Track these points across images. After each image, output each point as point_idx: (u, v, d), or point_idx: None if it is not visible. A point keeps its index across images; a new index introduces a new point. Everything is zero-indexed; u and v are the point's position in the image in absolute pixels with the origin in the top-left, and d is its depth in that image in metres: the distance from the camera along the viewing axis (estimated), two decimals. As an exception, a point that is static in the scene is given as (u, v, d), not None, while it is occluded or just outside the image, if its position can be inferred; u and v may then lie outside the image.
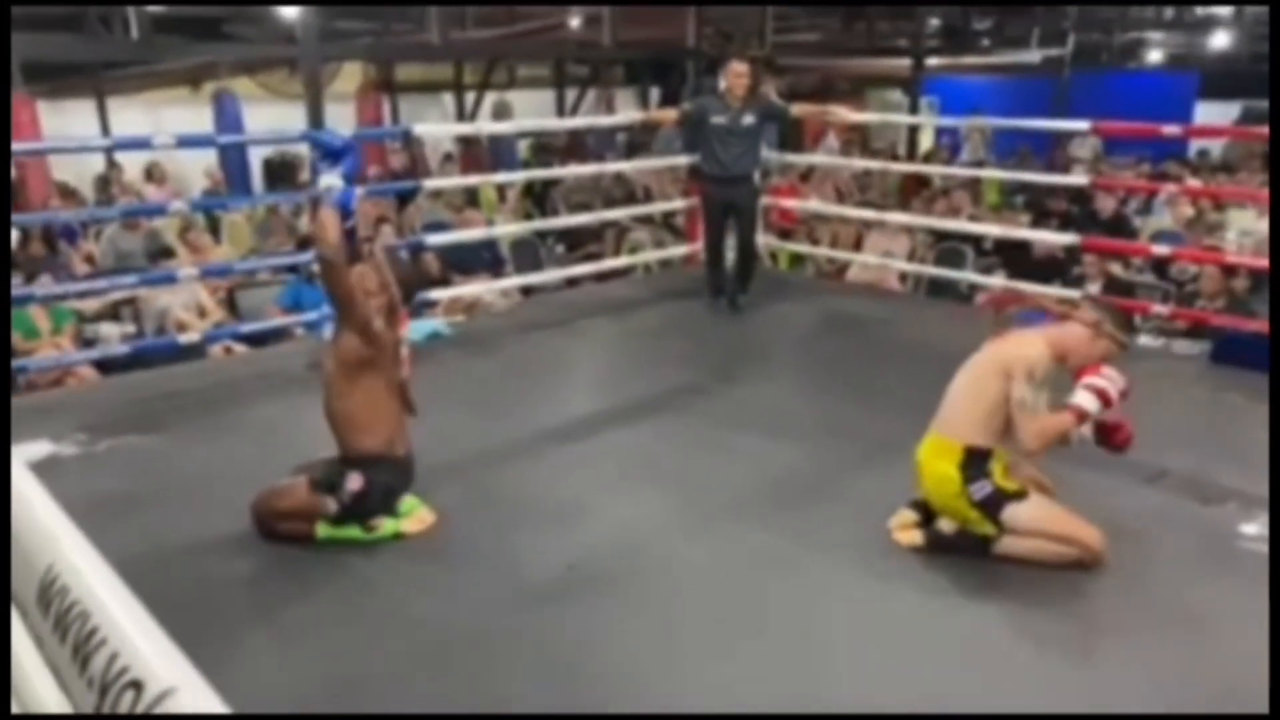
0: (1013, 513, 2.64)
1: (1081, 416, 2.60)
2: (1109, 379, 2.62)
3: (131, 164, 9.49)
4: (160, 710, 0.81)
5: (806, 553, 2.78)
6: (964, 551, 2.71)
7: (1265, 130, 7.64)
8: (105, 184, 9.05)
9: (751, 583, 2.65)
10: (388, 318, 2.78)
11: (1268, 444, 3.59)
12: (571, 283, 6.35)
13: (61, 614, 0.94)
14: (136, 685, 0.83)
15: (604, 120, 9.97)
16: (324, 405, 2.80)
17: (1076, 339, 2.68)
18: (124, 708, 0.82)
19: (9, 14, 3.74)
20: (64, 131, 9.14)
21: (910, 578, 2.66)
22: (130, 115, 9.88)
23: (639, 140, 12.07)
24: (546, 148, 12.31)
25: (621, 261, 6.76)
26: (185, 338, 4.58)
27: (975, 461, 2.65)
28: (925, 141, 12.84)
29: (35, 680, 1.00)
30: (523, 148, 12.59)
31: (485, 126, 10.70)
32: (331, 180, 2.82)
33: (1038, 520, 2.65)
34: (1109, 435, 2.75)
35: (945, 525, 2.76)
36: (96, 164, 9.44)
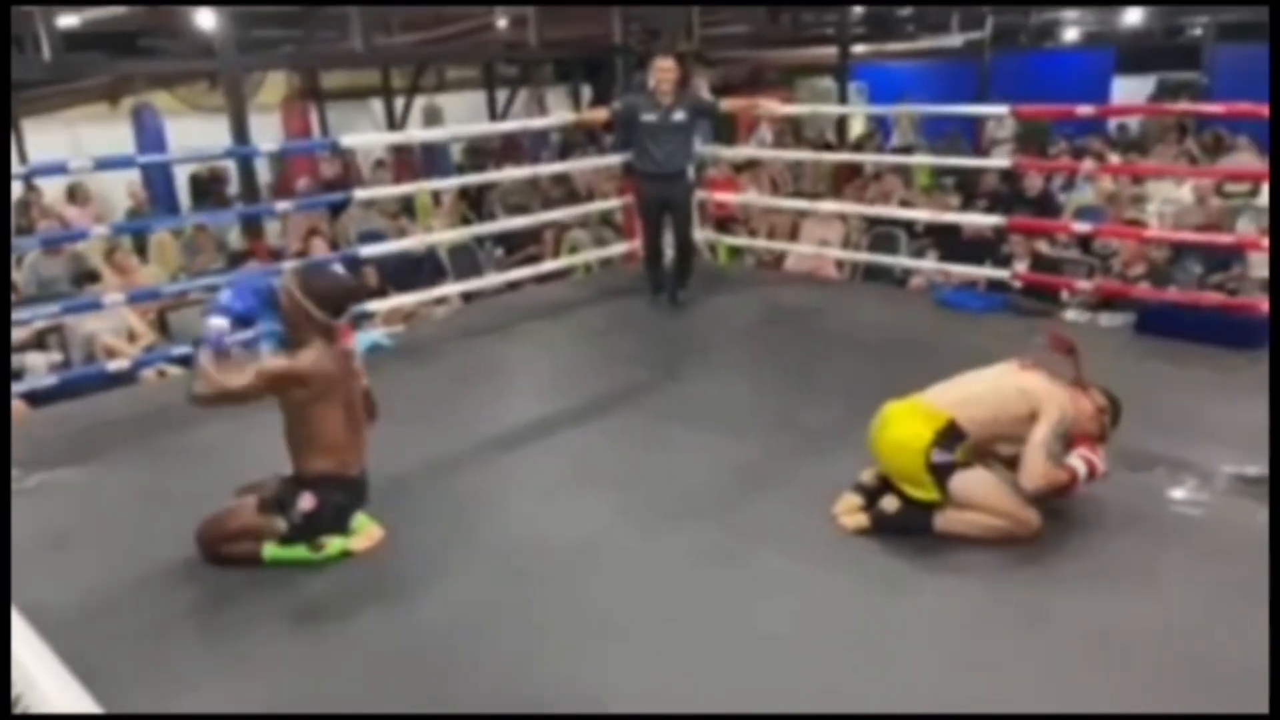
0: (960, 480, 2.73)
1: (1074, 480, 2.79)
2: (1100, 458, 2.84)
3: (53, 185, 9.22)
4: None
5: (753, 544, 2.81)
6: (907, 529, 2.78)
7: (1176, 106, 7.92)
8: (25, 208, 8.78)
9: (699, 578, 2.68)
10: (325, 341, 2.72)
11: (1192, 410, 3.73)
12: (512, 286, 6.33)
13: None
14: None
15: (536, 122, 9.92)
16: (282, 427, 2.76)
17: (1083, 413, 2.87)
18: None
19: (9, 14, 3.61)
20: (-23, 155, 8.84)
21: (856, 563, 2.71)
22: (47, 135, 9.60)
23: (573, 140, 12.06)
24: (480, 150, 12.23)
25: (561, 263, 6.75)
26: (115, 364, 4.47)
27: (951, 436, 2.74)
28: (856, 127, 13.01)
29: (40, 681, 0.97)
30: (456, 151, 12.50)
31: (416, 134, 10.60)
32: (218, 322, 2.73)
33: (981, 491, 2.75)
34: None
35: (888, 504, 2.83)
36: (14, 187, 9.16)
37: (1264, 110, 3.95)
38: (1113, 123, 12.46)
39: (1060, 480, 2.75)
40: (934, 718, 2.05)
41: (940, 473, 2.73)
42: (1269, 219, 5.62)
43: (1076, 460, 2.80)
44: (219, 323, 2.72)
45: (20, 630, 0.97)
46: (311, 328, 2.72)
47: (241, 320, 2.76)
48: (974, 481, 2.74)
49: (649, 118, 5.12)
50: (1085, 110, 4.98)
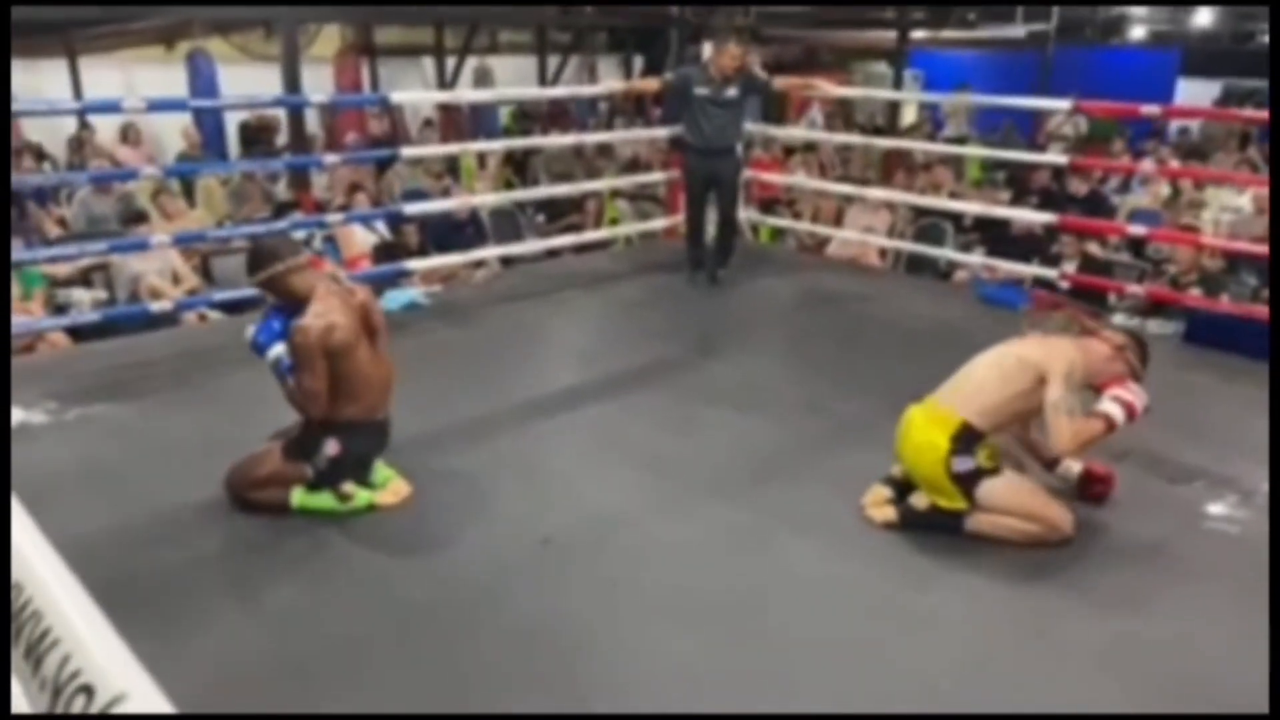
0: (987, 489, 2.67)
1: (1111, 425, 2.66)
2: (1135, 394, 2.71)
3: (107, 124, 9.33)
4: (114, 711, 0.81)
5: (779, 529, 2.79)
6: (936, 528, 2.73)
7: (1243, 113, 7.70)
8: (80, 145, 8.89)
9: (723, 559, 2.66)
10: (312, 276, 2.76)
11: (1236, 424, 3.65)
12: (551, 254, 6.32)
13: (15, 614, 0.92)
14: (88, 690, 0.83)
15: (586, 89, 9.86)
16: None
17: (1099, 356, 2.75)
18: (77, 710, 0.82)
19: (9, 14, 3.66)
20: (36, 91, 8.94)
21: (882, 555, 2.69)
22: (103, 74, 9.67)
23: (621, 110, 11.98)
24: (528, 115, 12.18)
25: (602, 233, 6.73)
26: (158, 306, 4.52)
27: (967, 439, 2.68)
28: (909, 115, 12.81)
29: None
30: (504, 114, 12.46)
31: (466, 94, 10.57)
32: (278, 352, 2.76)
33: (1010, 498, 2.69)
34: (1093, 482, 2.92)
35: (918, 501, 2.79)
36: (69, 124, 9.27)
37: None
38: (1173, 127, 12.15)
39: (1095, 431, 2.63)
40: (935, 718, 2.02)
41: (965, 482, 2.67)
42: (1270, 221, 5.45)
43: (1108, 404, 2.67)
44: (278, 352, 2.75)
45: (46, 555, 0.98)
46: (297, 279, 2.73)
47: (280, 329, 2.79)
48: (1001, 489, 2.68)
49: (702, 91, 5.06)
50: (1150, 109, 4.84)
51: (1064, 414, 2.60)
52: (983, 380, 2.75)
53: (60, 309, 5.02)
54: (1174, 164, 8.51)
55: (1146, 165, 7.13)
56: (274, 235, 2.88)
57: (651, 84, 5.71)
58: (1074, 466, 2.96)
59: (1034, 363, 2.68)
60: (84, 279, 5.53)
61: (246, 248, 5.69)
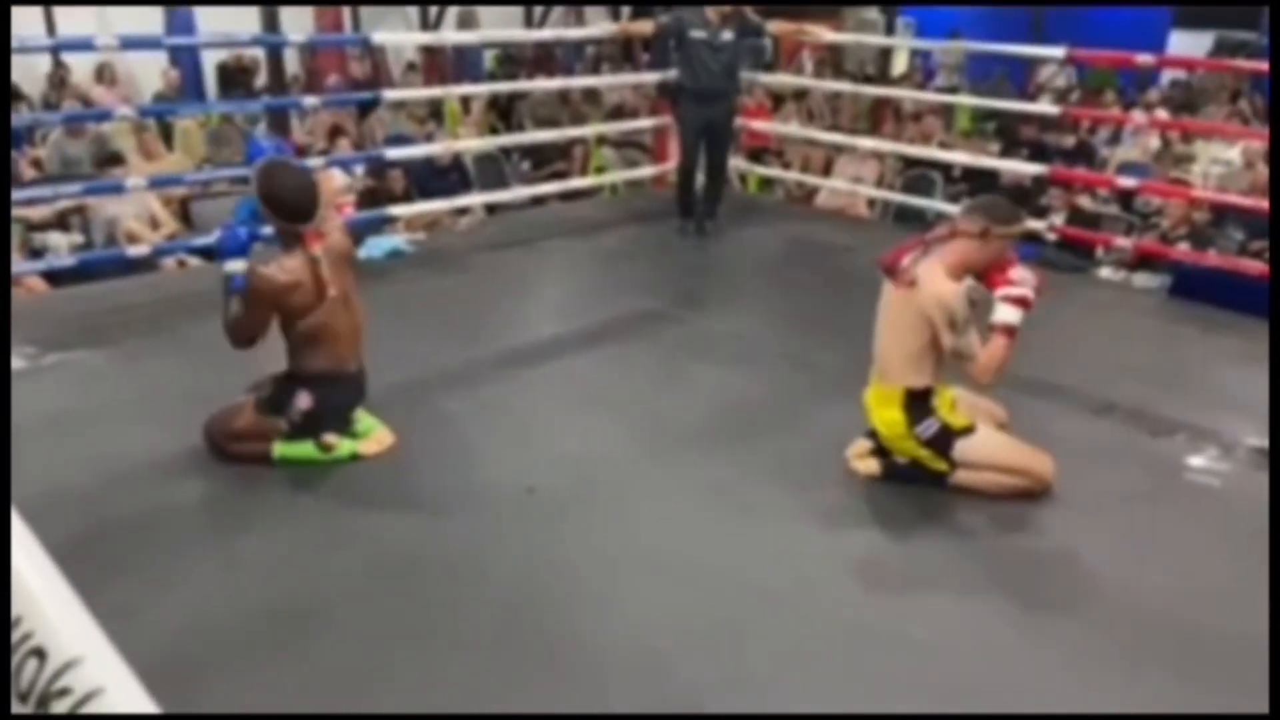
0: (963, 448, 2.67)
1: (1011, 332, 2.57)
2: (1021, 282, 2.58)
3: (82, 65, 9.09)
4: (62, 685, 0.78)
5: (763, 481, 2.80)
6: (919, 481, 2.74)
7: (1238, 63, 7.65)
8: (61, 83, 8.69)
9: (707, 511, 2.67)
10: (305, 269, 2.64)
11: (1219, 378, 3.67)
12: (537, 201, 6.24)
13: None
14: (40, 653, 0.79)
15: (574, 32, 9.65)
16: (279, 326, 2.73)
17: (970, 252, 2.61)
18: (27, 676, 0.79)
19: (9, 14, 3.54)
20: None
21: (864, 508, 2.70)
22: (78, 15, 9.41)
23: (607, 55, 11.77)
24: (514, 60, 11.96)
25: (588, 181, 6.64)
26: (136, 250, 4.45)
27: (917, 402, 2.67)
28: (899, 64, 12.64)
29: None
30: (488, 58, 12.23)
31: (449, 36, 10.34)
32: (236, 268, 2.61)
33: (989, 453, 2.69)
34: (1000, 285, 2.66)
35: (901, 458, 2.79)
36: (44, 63, 9.03)
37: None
38: (1165, 78, 12.06)
39: (1002, 349, 2.55)
40: (934, 717, 2.04)
41: (938, 444, 2.67)
42: (1269, 191, 5.44)
43: (1001, 311, 2.56)
44: (235, 266, 2.61)
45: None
46: (288, 234, 2.66)
47: (248, 240, 2.66)
48: (977, 445, 2.68)
49: (697, 34, 4.96)
50: (1144, 59, 4.79)
51: (965, 357, 2.59)
52: (889, 344, 2.70)
53: (36, 253, 4.93)
54: (1162, 114, 8.46)
55: (1138, 116, 7.07)
56: (298, 184, 2.67)
57: (645, 26, 5.60)
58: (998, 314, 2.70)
59: (918, 312, 2.59)
60: (60, 222, 5.41)
61: (228, 191, 5.63)
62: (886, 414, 2.70)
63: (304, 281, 2.62)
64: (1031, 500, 2.70)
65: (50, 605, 0.83)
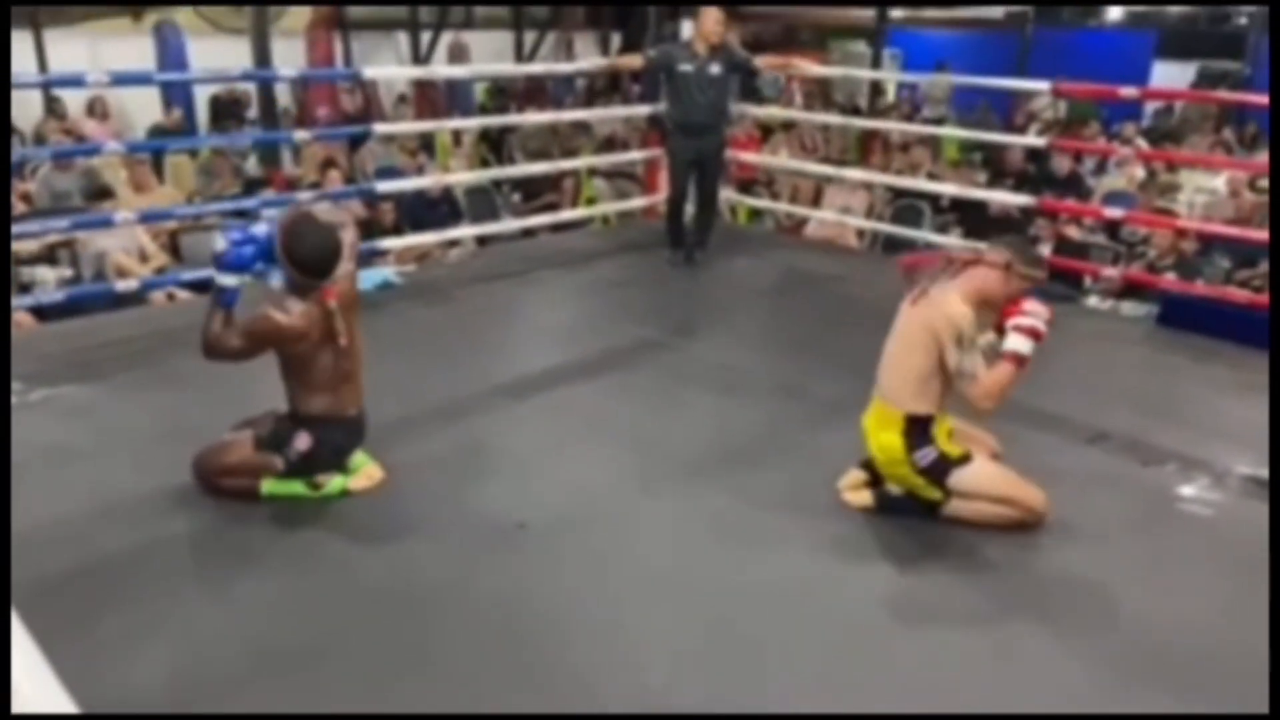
0: (958, 478, 2.66)
1: (1020, 361, 2.57)
2: (1034, 314, 2.59)
3: (74, 99, 9.13)
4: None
5: (756, 512, 2.78)
6: (912, 513, 2.74)
7: (1220, 95, 7.75)
8: (60, 118, 8.72)
9: (700, 543, 2.65)
10: (316, 308, 2.61)
11: (1208, 406, 3.68)
12: (528, 233, 6.26)
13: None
14: None
15: (564, 66, 9.75)
16: (279, 367, 2.72)
17: (990, 283, 2.63)
18: None
19: (9, 14, 3.55)
20: (-3, 63, 8.73)
21: (860, 538, 2.68)
22: (69, 47, 9.47)
23: (598, 88, 11.88)
24: (504, 92, 12.06)
25: (579, 212, 6.67)
26: (124, 284, 4.43)
27: (917, 429, 2.66)
28: (891, 95, 12.78)
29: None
30: (479, 91, 12.33)
31: (440, 70, 10.42)
32: (230, 282, 2.63)
33: (983, 484, 2.68)
34: (1012, 315, 2.69)
35: (894, 487, 2.78)
36: (34, 97, 9.06)
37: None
38: (1149, 109, 12.21)
39: (1007, 375, 2.55)
40: (933, 718, 2.02)
41: (933, 473, 2.66)
42: (1269, 217, 5.50)
43: (1012, 340, 2.57)
44: (229, 281, 2.62)
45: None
46: (301, 311, 2.60)
47: (251, 262, 2.64)
48: (972, 475, 2.67)
49: (685, 68, 5.00)
50: (1128, 92, 4.84)
51: (969, 378, 2.55)
52: (898, 364, 2.70)
53: (25, 288, 4.91)
54: (1143, 145, 8.55)
55: (1124, 149, 7.14)
56: (325, 242, 2.62)
57: (634, 61, 5.65)
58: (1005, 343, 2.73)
59: (929, 327, 2.60)
60: (49, 257, 5.40)
61: (218, 225, 5.63)
62: (885, 437, 2.69)
63: (311, 331, 2.59)
64: (1025, 531, 2.69)
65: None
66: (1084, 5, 14.02)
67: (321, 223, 2.67)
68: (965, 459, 2.68)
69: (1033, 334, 2.58)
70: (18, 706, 0.77)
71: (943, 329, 2.56)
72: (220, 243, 2.62)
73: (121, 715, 1.96)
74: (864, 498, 2.80)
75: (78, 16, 9.93)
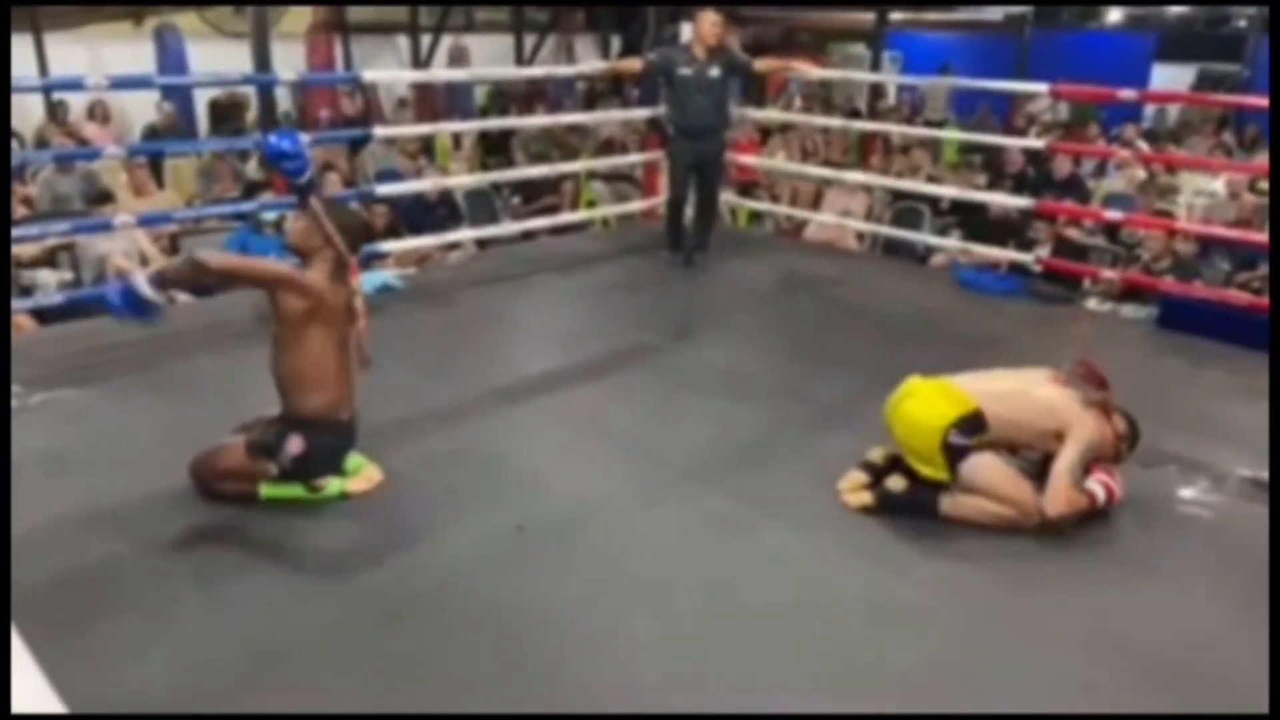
0: (972, 464, 2.69)
1: (1094, 504, 2.73)
2: (1117, 482, 2.79)
3: (74, 102, 9.15)
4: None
5: (757, 515, 2.78)
6: (912, 512, 2.74)
7: (1219, 98, 7.77)
8: (63, 121, 8.73)
9: (700, 546, 2.65)
10: (335, 272, 2.70)
11: (1208, 409, 3.68)
12: (527, 235, 6.27)
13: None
14: None
15: (564, 69, 9.74)
16: (270, 362, 2.72)
17: (1107, 440, 2.81)
18: None
19: (9, 14, 3.56)
20: (-3, 67, 8.73)
21: (855, 540, 2.68)
22: (70, 51, 9.47)
23: (599, 90, 11.88)
24: (505, 95, 12.06)
25: (579, 215, 6.67)
26: (125, 287, 4.42)
27: (974, 424, 2.70)
28: (891, 98, 12.79)
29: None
30: (480, 94, 12.34)
31: (440, 74, 10.42)
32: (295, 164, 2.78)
33: (990, 477, 2.71)
34: None
35: (894, 484, 2.79)
36: (34, 100, 9.07)
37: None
38: (1149, 111, 12.22)
39: (1081, 505, 2.70)
40: (933, 718, 2.02)
41: (953, 454, 2.69)
42: (1269, 219, 5.50)
43: (1096, 485, 2.75)
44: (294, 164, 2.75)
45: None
46: (324, 255, 2.69)
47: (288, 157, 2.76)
48: (985, 467, 2.70)
49: (685, 72, 5.01)
50: (1127, 94, 4.84)
51: (1067, 481, 2.66)
52: (1007, 395, 2.77)
53: (25, 291, 4.91)
54: (1144, 146, 8.56)
55: (1124, 151, 7.15)
56: (365, 225, 2.97)
57: (634, 64, 5.66)
58: None
59: (1062, 417, 2.73)
60: (49, 260, 5.41)
61: (218, 228, 5.63)
62: (940, 406, 2.71)
63: (316, 296, 2.63)
64: (1021, 533, 2.68)
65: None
66: (1083, 4, 14.02)
67: (351, 208, 3.01)
68: (981, 449, 2.72)
69: (1110, 495, 2.75)
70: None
71: (1083, 432, 2.71)
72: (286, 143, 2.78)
73: (122, 715, 1.96)
74: (863, 498, 2.80)
75: (78, 20, 9.94)
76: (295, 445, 2.65)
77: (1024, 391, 2.80)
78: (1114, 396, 2.86)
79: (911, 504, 2.75)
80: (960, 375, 2.84)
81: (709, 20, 5.00)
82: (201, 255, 2.58)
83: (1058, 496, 2.65)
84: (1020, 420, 2.74)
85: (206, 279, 2.64)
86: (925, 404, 2.74)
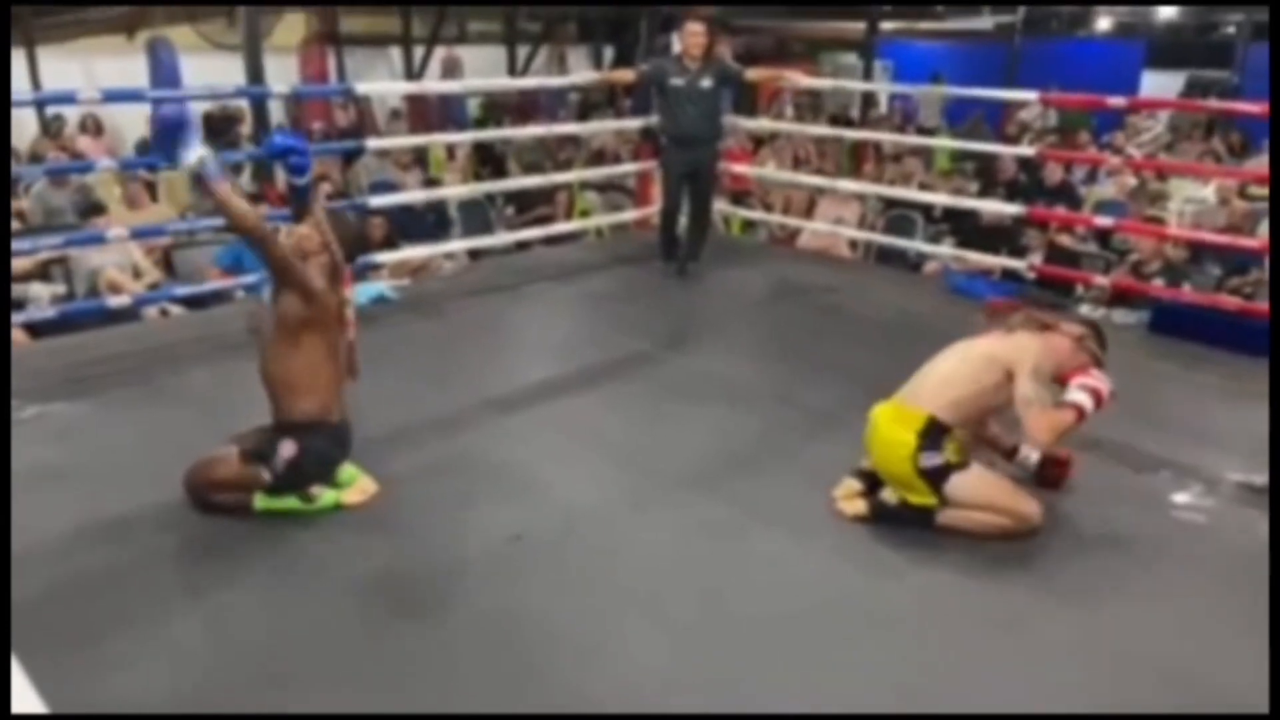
0: (956, 483, 2.68)
1: (1082, 414, 2.66)
2: (1100, 380, 2.72)
3: (67, 115, 9.15)
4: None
5: (751, 523, 2.78)
6: (907, 522, 2.74)
7: (1209, 104, 7.81)
8: (58, 134, 8.74)
9: (694, 554, 2.65)
10: (331, 278, 2.71)
11: (1200, 413, 3.69)
12: (521, 246, 6.27)
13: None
14: None
15: (557, 80, 9.78)
16: (261, 367, 2.72)
17: (1062, 349, 2.77)
18: None
19: (9, 14, 3.58)
20: (-10, 81, 8.73)
21: (849, 548, 2.68)
22: (63, 65, 9.49)
23: (593, 101, 11.92)
24: (498, 106, 12.10)
25: (572, 225, 6.69)
26: (117, 300, 4.43)
27: (934, 433, 2.68)
28: (883, 106, 12.85)
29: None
30: (473, 105, 12.37)
31: (433, 85, 10.45)
32: (199, 152, 2.66)
33: (979, 491, 2.69)
34: (1053, 467, 2.96)
35: (889, 495, 2.79)
36: (27, 114, 9.08)
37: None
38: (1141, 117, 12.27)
39: (1068, 421, 2.63)
40: (929, 718, 2.02)
41: (933, 477, 2.67)
42: (1269, 229, 5.53)
43: (1077, 393, 2.67)
44: (199, 151, 2.66)
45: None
46: (319, 260, 2.70)
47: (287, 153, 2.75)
48: (970, 483, 2.69)
49: (677, 82, 5.04)
50: (1117, 101, 4.88)
51: (1036, 407, 2.61)
52: (949, 374, 2.75)
53: (18, 304, 4.90)
54: (1136, 153, 8.60)
55: (1114, 158, 7.18)
56: (360, 235, 3.05)
57: (627, 75, 5.68)
58: (1032, 455, 2.98)
59: (1000, 358, 2.70)
60: (42, 273, 5.40)
61: (211, 240, 5.63)
62: (899, 433, 2.69)
63: (322, 296, 2.66)
64: (1018, 540, 2.69)
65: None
66: (1075, 3, 14.08)
67: (349, 217, 3.02)
68: (964, 464, 2.70)
69: (1096, 396, 2.67)
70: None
71: (1024, 358, 2.66)
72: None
73: (123, 715, 1.96)
74: (859, 507, 2.80)
75: (71, 34, 9.95)
76: (288, 450, 2.66)
77: (963, 359, 2.77)
78: (1040, 311, 2.83)
79: (907, 514, 2.74)
80: (908, 383, 2.81)
81: (690, 30, 5.04)
82: (262, 235, 2.61)
83: (1035, 426, 2.59)
84: (975, 389, 2.70)
85: (265, 257, 2.65)
86: (887, 436, 2.73)
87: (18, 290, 5.12)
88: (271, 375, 2.72)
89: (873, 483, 2.85)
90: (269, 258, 2.63)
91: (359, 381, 2.94)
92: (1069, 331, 2.81)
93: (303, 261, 2.69)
